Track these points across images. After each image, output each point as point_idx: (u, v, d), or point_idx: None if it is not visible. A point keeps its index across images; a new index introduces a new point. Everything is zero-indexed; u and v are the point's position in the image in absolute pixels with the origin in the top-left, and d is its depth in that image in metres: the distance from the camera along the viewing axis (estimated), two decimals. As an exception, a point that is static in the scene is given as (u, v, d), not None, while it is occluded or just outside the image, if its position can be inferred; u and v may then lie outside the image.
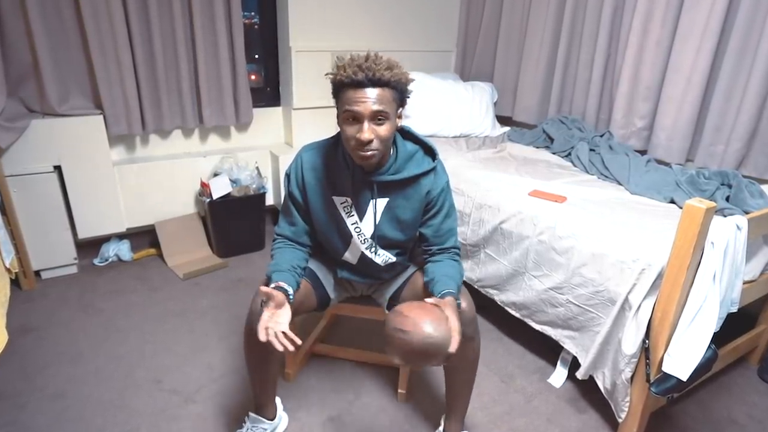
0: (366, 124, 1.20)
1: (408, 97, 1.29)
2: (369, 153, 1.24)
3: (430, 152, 1.42)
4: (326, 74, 1.27)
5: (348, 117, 1.22)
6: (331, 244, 1.48)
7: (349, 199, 1.40)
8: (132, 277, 2.55)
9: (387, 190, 1.39)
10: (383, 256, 1.47)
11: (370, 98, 1.19)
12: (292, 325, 1.73)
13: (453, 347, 1.14)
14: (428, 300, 1.23)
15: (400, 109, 1.29)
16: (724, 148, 2.20)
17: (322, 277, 1.54)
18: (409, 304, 1.22)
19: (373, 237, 1.43)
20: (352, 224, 1.42)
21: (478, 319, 1.43)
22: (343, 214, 1.42)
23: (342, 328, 2.20)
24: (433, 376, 1.90)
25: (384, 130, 1.23)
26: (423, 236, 1.47)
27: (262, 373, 1.49)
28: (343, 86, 1.21)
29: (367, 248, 1.45)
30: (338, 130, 1.31)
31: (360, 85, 1.19)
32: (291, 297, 1.31)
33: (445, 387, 1.55)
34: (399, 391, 1.79)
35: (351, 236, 1.44)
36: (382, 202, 1.40)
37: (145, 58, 2.48)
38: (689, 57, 2.24)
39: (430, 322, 1.13)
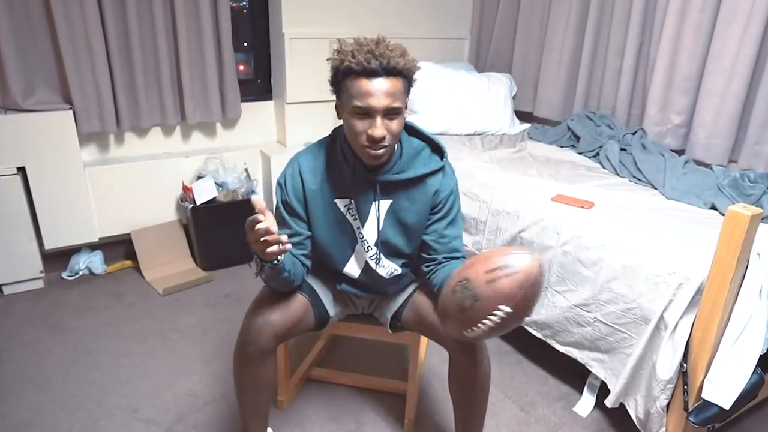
0: (378, 120, 1.24)
1: (412, 86, 1.32)
2: (381, 152, 1.28)
3: (438, 151, 1.45)
4: (327, 59, 1.29)
5: (358, 111, 1.25)
6: (332, 255, 1.50)
7: (351, 201, 1.42)
8: (105, 293, 2.57)
9: (390, 191, 1.42)
10: (388, 268, 1.49)
11: (384, 91, 1.22)
12: (285, 348, 1.76)
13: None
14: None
15: (407, 99, 1.32)
16: (772, 148, 2.22)
17: (321, 293, 1.56)
18: (468, 261, 1.16)
19: (376, 244, 1.45)
20: (356, 228, 1.45)
21: (494, 340, 1.44)
22: (349, 218, 1.44)
23: (341, 349, 2.21)
24: (443, 403, 1.91)
25: (396, 124, 1.27)
26: (425, 245, 1.48)
27: (253, 400, 1.50)
28: (351, 74, 1.23)
29: (371, 257, 1.47)
30: (337, 126, 1.33)
31: (373, 74, 1.21)
32: (281, 261, 1.30)
33: (454, 419, 1.56)
34: (405, 420, 1.80)
35: (356, 242, 1.47)
36: (385, 205, 1.42)
37: (120, 45, 2.50)
38: (732, 44, 2.26)
39: (515, 251, 1.09)
